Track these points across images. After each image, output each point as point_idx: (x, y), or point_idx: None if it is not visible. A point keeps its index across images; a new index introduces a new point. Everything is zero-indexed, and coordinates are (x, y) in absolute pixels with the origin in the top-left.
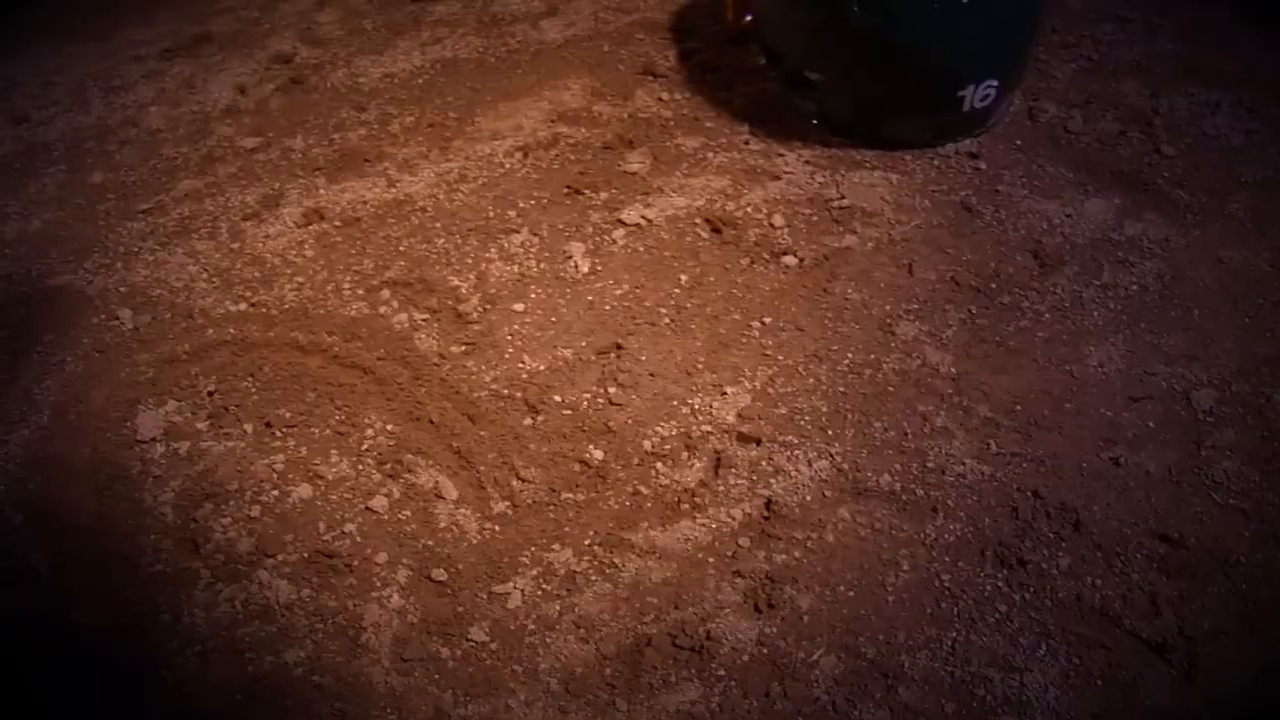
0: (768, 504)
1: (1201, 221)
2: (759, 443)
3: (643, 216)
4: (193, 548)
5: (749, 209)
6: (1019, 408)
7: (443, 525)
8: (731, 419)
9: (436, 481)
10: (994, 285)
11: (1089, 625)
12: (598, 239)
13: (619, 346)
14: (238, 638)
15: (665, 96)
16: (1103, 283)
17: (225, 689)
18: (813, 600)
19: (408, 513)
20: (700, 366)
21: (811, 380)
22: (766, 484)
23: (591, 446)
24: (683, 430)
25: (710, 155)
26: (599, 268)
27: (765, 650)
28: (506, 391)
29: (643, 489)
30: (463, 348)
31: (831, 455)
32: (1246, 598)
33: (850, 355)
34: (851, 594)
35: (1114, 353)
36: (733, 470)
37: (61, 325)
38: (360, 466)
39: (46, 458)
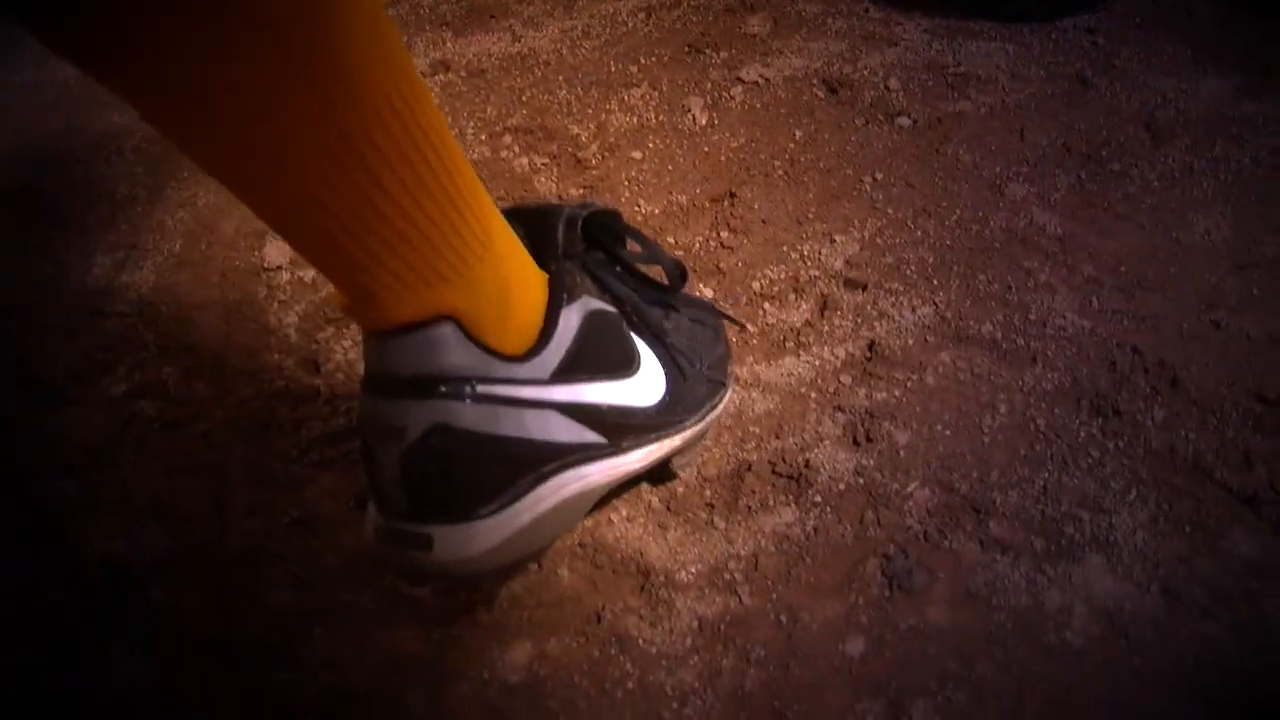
0: (870, 345)
1: None
2: (865, 288)
3: (761, 75)
4: (314, 367)
5: (865, 72)
6: (1123, 268)
7: None
8: (839, 265)
9: None
10: (1104, 153)
11: (1181, 475)
12: (716, 95)
13: (732, 194)
14: (353, 449)
15: None
16: (1214, 156)
17: (340, 496)
18: (910, 436)
19: None
20: (811, 216)
21: (919, 233)
22: (870, 327)
23: (702, 285)
24: (791, 274)
25: (830, 21)
26: (716, 121)
27: (861, 480)
28: None
29: (749, 326)
30: (581, 191)
31: (935, 303)
32: None
33: (958, 212)
34: (948, 433)
35: (1221, 222)
36: (838, 313)
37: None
38: None
39: (178, 283)
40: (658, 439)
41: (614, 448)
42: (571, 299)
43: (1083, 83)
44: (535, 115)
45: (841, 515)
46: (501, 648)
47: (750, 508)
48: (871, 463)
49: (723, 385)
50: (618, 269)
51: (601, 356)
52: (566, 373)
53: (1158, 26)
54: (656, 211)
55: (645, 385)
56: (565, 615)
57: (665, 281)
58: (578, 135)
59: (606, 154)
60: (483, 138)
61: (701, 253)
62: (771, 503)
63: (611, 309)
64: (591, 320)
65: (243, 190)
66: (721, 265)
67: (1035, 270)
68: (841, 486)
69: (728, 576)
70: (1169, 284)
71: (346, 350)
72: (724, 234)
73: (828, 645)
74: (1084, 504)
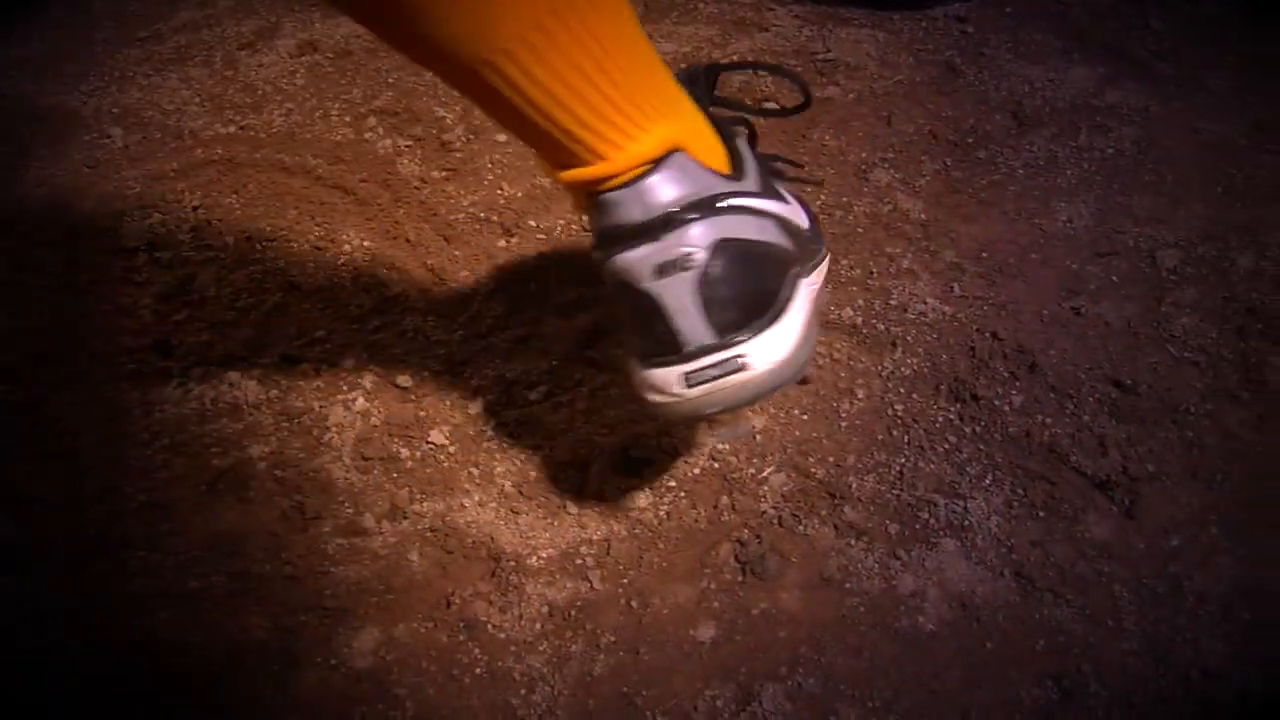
0: None
1: (1182, 94)
2: None
3: None
4: (166, 350)
5: (734, 57)
6: (985, 255)
7: (411, 336)
8: None
9: (408, 295)
10: (970, 140)
11: (1036, 460)
12: None
13: None
14: (205, 433)
15: None
16: (1079, 144)
17: (191, 480)
18: (766, 421)
19: (378, 323)
20: None
21: None
22: None
23: (567, 272)
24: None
25: (701, 5)
26: None
27: (716, 465)
28: (483, 215)
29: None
30: (444, 173)
31: None
32: (1192, 444)
33: (823, 197)
34: (805, 418)
35: (1084, 210)
36: None
37: (55, 141)
38: (336, 279)
39: (33, 262)
40: (815, 265)
41: (805, 263)
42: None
43: (951, 70)
44: (401, 98)
45: (696, 500)
46: (349, 634)
47: (604, 493)
48: (726, 447)
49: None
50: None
51: (768, 182)
52: (764, 193)
53: (1027, 16)
54: (519, 195)
55: (797, 210)
56: (414, 601)
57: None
58: (443, 118)
59: (471, 137)
60: (347, 119)
61: (563, 236)
62: (625, 487)
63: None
64: (751, 150)
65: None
66: (581, 251)
67: (898, 256)
68: (696, 471)
69: (579, 562)
70: (1030, 271)
71: (200, 333)
72: (585, 218)
73: (678, 630)
74: (939, 489)
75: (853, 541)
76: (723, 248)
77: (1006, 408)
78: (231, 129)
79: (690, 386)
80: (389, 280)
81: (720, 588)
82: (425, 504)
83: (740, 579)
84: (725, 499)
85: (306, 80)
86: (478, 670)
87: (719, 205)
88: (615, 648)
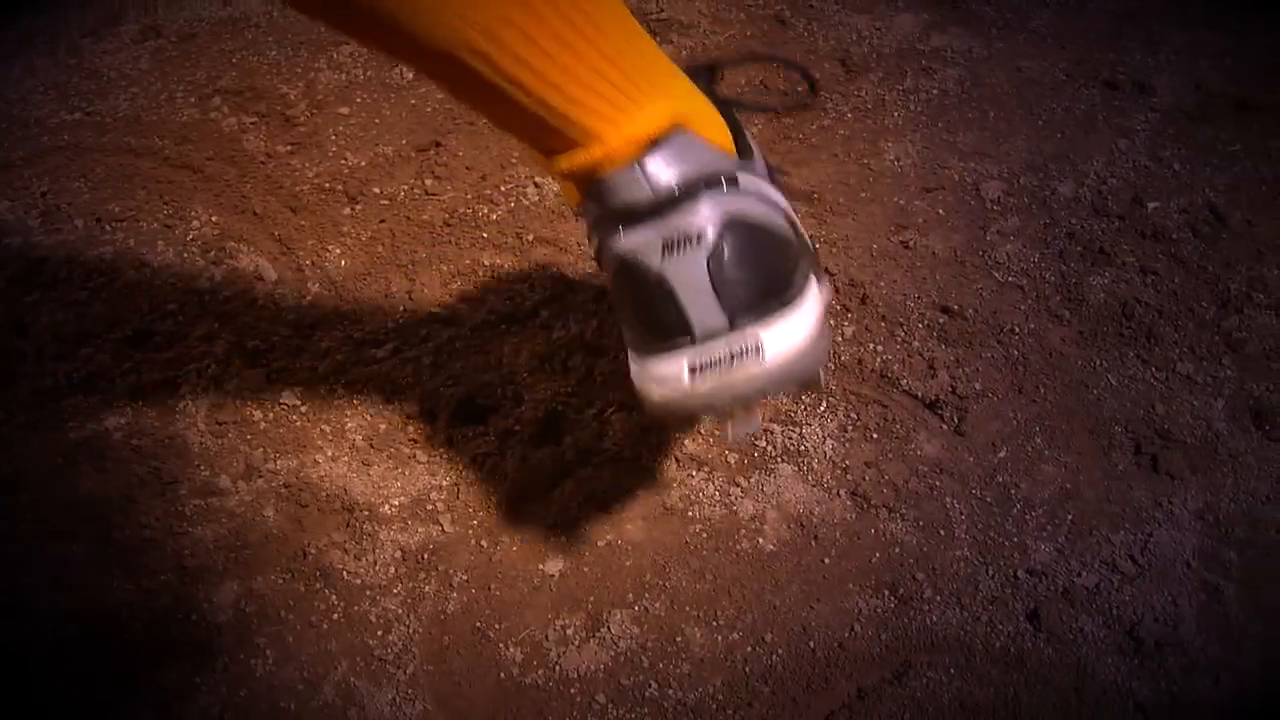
0: (565, 279)
1: (1004, 35)
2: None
3: None
4: (20, 330)
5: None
6: (816, 196)
7: (261, 303)
8: (542, 205)
9: (257, 265)
10: (800, 89)
11: (869, 386)
12: None
13: (438, 144)
14: (61, 408)
15: None
16: (905, 88)
17: (48, 454)
18: (607, 362)
19: (228, 293)
20: (514, 160)
21: None
22: (567, 262)
23: (404, 233)
24: (494, 216)
25: None
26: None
27: (559, 406)
28: (328, 185)
29: (451, 267)
30: (288, 147)
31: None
32: (1017, 363)
33: None
34: None
35: (911, 149)
36: (539, 250)
37: None
38: (185, 254)
39: None
40: (820, 269)
41: (814, 261)
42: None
43: (781, 23)
44: (245, 77)
45: (541, 441)
46: (208, 589)
47: (451, 440)
48: (569, 389)
49: None
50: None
51: (773, 173)
52: (771, 180)
53: None
54: (362, 164)
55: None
56: (271, 554)
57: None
58: (286, 94)
59: (314, 111)
60: (192, 100)
61: (406, 200)
62: (471, 435)
63: None
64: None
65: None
66: (425, 214)
67: None
68: (540, 413)
69: (430, 507)
70: (860, 208)
71: (54, 312)
72: (429, 181)
73: (528, 566)
74: (775, 418)
75: (694, 472)
76: (733, 227)
77: (839, 338)
78: (77, 115)
79: (698, 377)
80: (237, 252)
81: (566, 523)
82: (279, 462)
83: (585, 514)
84: (569, 438)
85: (151, 65)
86: (335, 616)
87: (727, 183)
88: (467, 585)
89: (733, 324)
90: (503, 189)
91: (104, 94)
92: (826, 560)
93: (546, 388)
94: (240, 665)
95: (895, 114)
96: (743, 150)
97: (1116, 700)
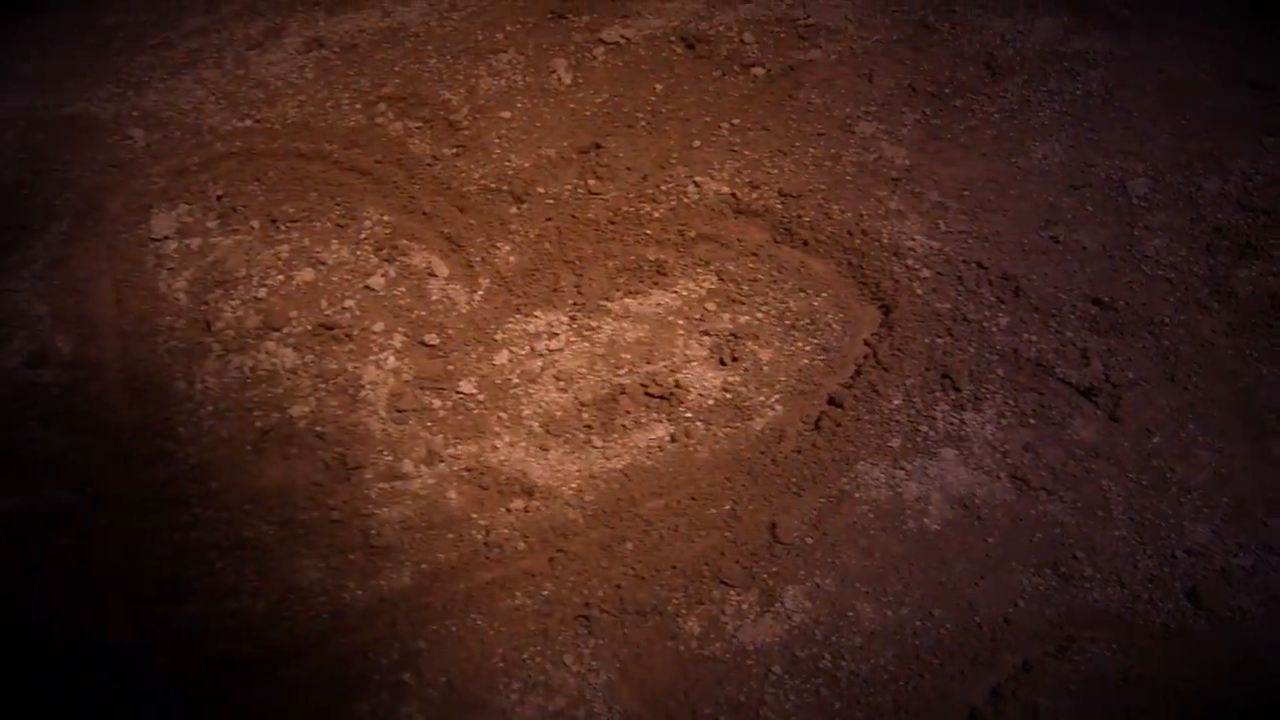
0: (732, 275)
1: (1145, 38)
2: (725, 224)
3: (622, 35)
4: (204, 326)
5: (721, 28)
6: (967, 193)
7: (435, 298)
8: (702, 205)
9: (429, 262)
10: (948, 91)
11: (1025, 374)
12: (579, 55)
13: (598, 146)
14: (247, 399)
15: None
16: (1049, 89)
17: (237, 441)
18: (772, 354)
19: (402, 289)
20: (673, 161)
21: (775, 171)
22: (732, 258)
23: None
24: (656, 215)
25: None
26: (580, 80)
27: (729, 395)
28: (494, 186)
29: (617, 263)
30: (454, 150)
31: (791, 232)
32: (1168, 353)
33: (812, 150)
34: (808, 348)
35: (1057, 148)
36: (701, 247)
37: (78, 146)
38: (359, 252)
39: (68, 257)
40: None
41: None
42: None
43: (926, 28)
44: (408, 84)
45: (711, 426)
46: (395, 568)
47: (625, 426)
48: (737, 379)
49: None
50: None
51: None
52: None
53: None
54: (526, 165)
55: None
56: (454, 535)
57: None
58: (449, 100)
59: (477, 116)
60: (358, 107)
61: (571, 199)
62: (645, 420)
63: None
64: None
65: None
66: (590, 213)
67: (885, 198)
68: (710, 403)
69: (606, 489)
70: (1009, 205)
71: (234, 309)
72: (591, 182)
73: (699, 542)
74: (936, 404)
75: (859, 459)
76: None
77: (995, 329)
78: (248, 123)
79: None
80: (409, 250)
81: (737, 502)
82: (459, 447)
83: (759, 493)
84: (739, 425)
85: (315, 74)
86: (517, 594)
87: None
88: (644, 563)
89: None
90: (663, 188)
91: (272, 102)
92: (990, 540)
93: (716, 376)
94: (420, 640)
95: (1040, 114)
96: None
97: (1277, 676)
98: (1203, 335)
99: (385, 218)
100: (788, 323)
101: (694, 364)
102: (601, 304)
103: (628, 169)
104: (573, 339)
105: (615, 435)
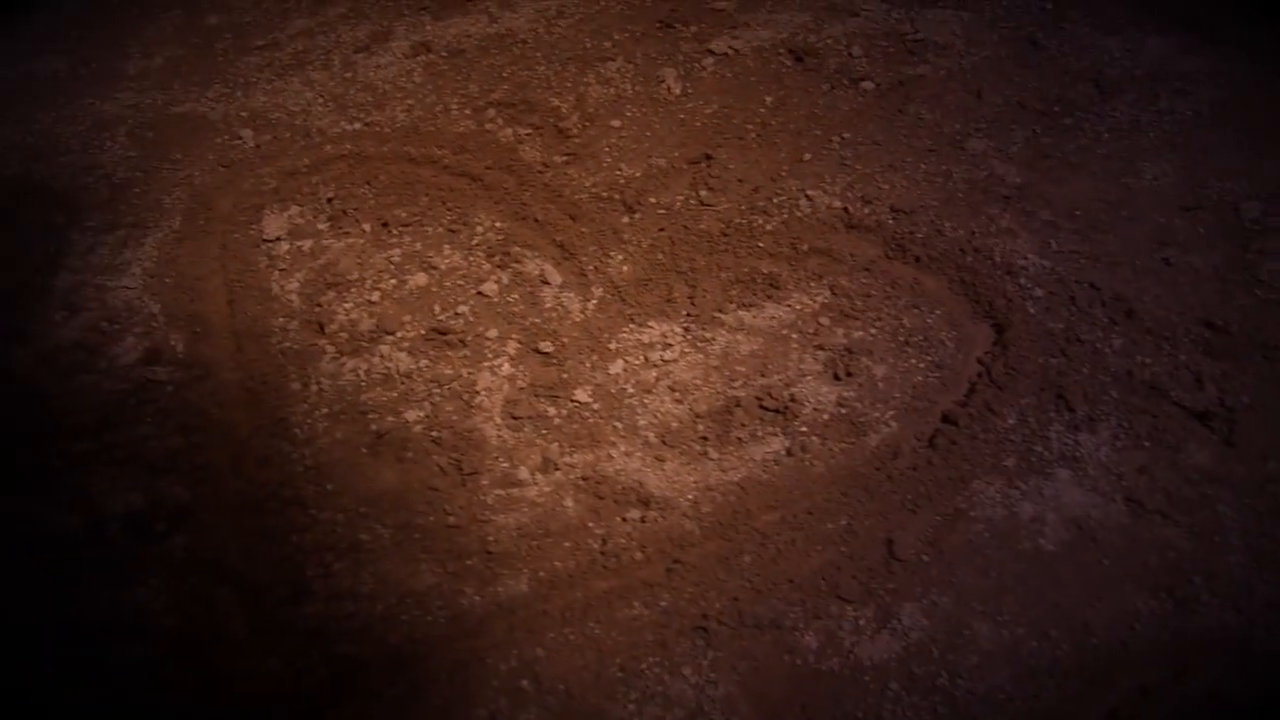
0: (846, 289)
1: (1257, 59)
2: (837, 238)
3: (730, 46)
4: (318, 328)
5: (829, 41)
6: (1078, 213)
7: (548, 306)
8: (813, 218)
9: (542, 269)
10: (1057, 109)
11: (1138, 396)
12: (688, 66)
13: (709, 157)
14: (361, 402)
15: None
16: (1159, 109)
17: (352, 444)
18: (886, 370)
19: (516, 296)
20: (784, 174)
21: (886, 186)
22: (845, 273)
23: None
24: (769, 228)
25: None
26: (690, 90)
27: (844, 410)
28: (605, 194)
29: (730, 275)
30: (564, 158)
31: (904, 248)
32: None
33: (923, 166)
34: (921, 365)
35: (1168, 168)
36: (814, 260)
37: (187, 145)
38: (471, 258)
39: (179, 255)
40: None
41: None
42: None
43: (1034, 45)
44: (517, 90)
45: (827, 441)
46: (512, 574)
47: (741, 439)
48: (852, 394)
49: None
50: None
51: None
52: None
53: None
54: (638, 174)
55: None
56: (571, 543)
57: None
58: (558, 107)
59: (587, 123)
60: (467, 112)
61: (683, 210)
62: (761, 433)
63: None
64: None
65: None
66: (702, 224)
67: (996, 216)
68: (825, 417)
69: (722, 501)
70: (1121, 226)
71: (348, 311)
72: (703, 193)
73: (817, 557)
74: (1051, 425)
75: (974, 477)
76: None
77: (1108, 350)
78: (357, 125)
79: None
80: (522, 256)
81: (854, 518)
82: (575, 456)
83: (874, 509)
84: (854, 441)
85: (424, 78)
86: (635, 603)
87: None
88: (762, 576)
89: None
90: (775, 201)
91: (381, 105)
92: (1105, 562)
93: (831, 391)
94: (538, 648)
95: (1151, 134)
96: None
97: None
98: None
99: (497, 224)
100: (901, 339)
101: (808, 378)
102: (715, 316)
103: (739, 181)
104: (687, 350)
105: (731, 447)
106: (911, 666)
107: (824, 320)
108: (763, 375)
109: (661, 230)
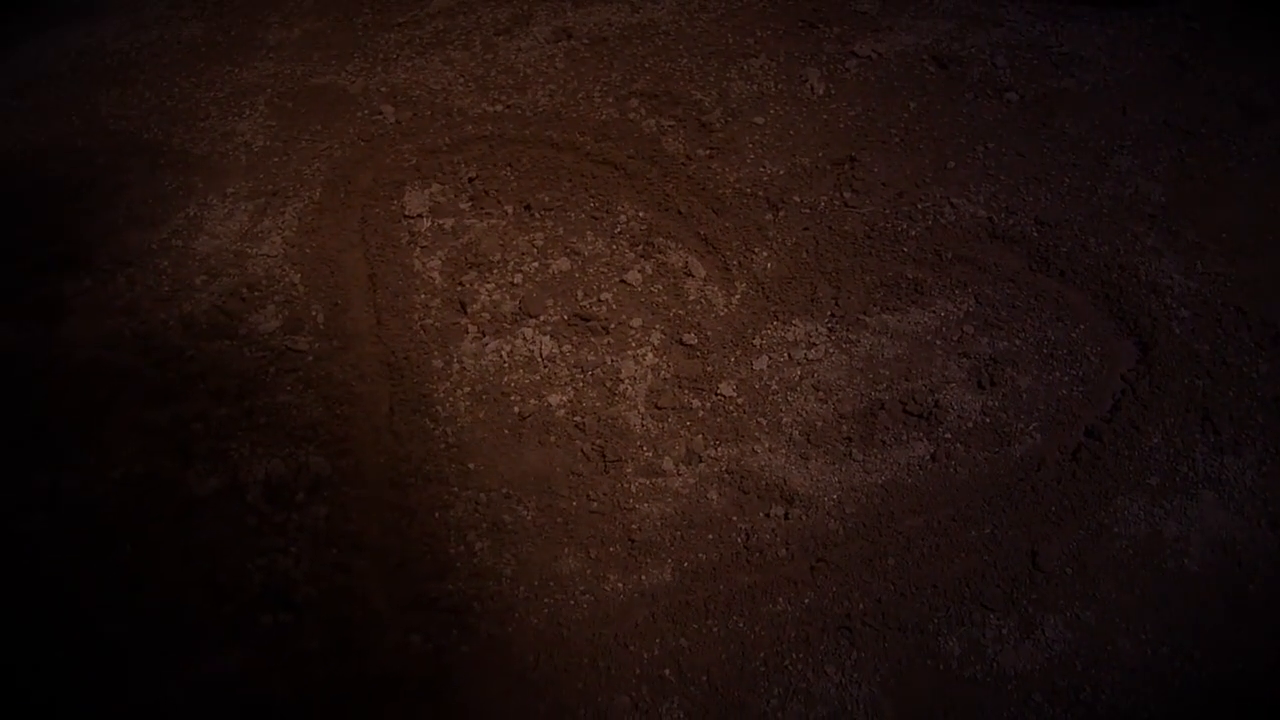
0: (991, 299)
1: None
2: (982, 247)
3: (874, 50)
4: (459, 307)
5: (973, 50)
6: (1224, 235)
7: (693, 298)
8: (958, 227)
9: (686, 261)
10: (1203, 130)
11: None
12: (832, 66)
13: (853, 159)
14: (504, 383)
15: None
16: None
17: (494, 425)
18: (1031, 382)
19: (659, 286)
20: (929, 180)
21: (1031, 198)
22: (990, 282)
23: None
24: (913, 233)
25: (936, 1)
26: (833, 91)
27: (988, 420)
28: (749, 190)
29: (874, 278)
30: (707, 151)
31: (1049, 261)
32: None
33: (1068, 180)
34: (1066, 379)
35: None
36: (959, 268)
37: (327, 118)
38: (615, 246)
39: (320, 226)
40: None
41: None
42: None
43: (1180, 64)
44: (659, 81)
45: (970, 448)
46: (656, 564)
47: (885, 442)
48: (996, 403)
49: None
50: None
51: None
52: None
53: (1252, 13)
54: (781, 172)
55: None
56: (714, 535)
57: None
58: (701, 101)
59: (730, 119)
60: (610, 100)
61: (827, 210)
62: (905, 437)
63: None
64: None
65: None
66: (846, 225)
67: (1141, 235)
68: (970, 425)
69: (865, 502)
70: (1269, 250)
71: (490, 292)
72: (847, 194)
73: (958, 566)
74: (1196, 446)
75: (1118, 493)
76: None
77: (1255, 374)
78: (498, 107)
79: None
80: (666, 247)
81: (1007, 529)
82: (720, 449)
83: (1013, 520)
84: (998, 450)
85: (565, 64)
86: (779, 598)
87: None
88: (905, 581)
89: None
90: (920, 206)
91: (522, 89)
92: (1251, 586)
93: (975, 399)
94: (682, 638)
95: None
96: None
97: None
98: None
99: (640, 213)
100: (1045, 351)
101: (952, 385)
102: (860, 318)
103: (883, 184)
104: (831, 350)
105: (875, 450)
106: (1054, 678)
107: (968, 328)
108: (907, 379)
109: (805, 229)
